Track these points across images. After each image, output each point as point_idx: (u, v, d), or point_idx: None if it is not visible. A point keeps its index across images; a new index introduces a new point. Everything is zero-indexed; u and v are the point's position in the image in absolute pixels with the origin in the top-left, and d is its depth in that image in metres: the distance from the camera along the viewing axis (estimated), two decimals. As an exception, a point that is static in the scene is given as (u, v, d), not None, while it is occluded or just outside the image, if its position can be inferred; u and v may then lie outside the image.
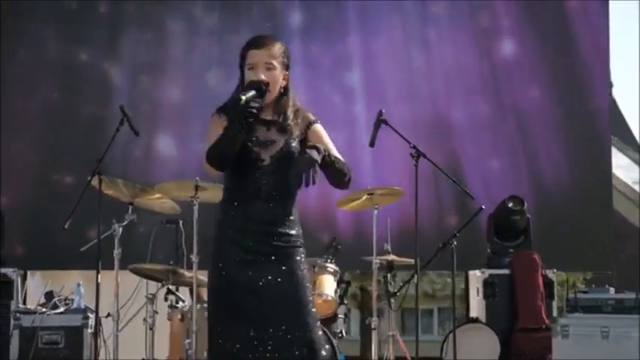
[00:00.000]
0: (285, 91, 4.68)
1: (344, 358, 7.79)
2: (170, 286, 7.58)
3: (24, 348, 7.66)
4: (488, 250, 8.81)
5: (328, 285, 7.36)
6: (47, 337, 7.72)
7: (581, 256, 9.57)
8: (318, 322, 4.62)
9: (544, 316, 8.26)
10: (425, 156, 6.87)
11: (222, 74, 9.51)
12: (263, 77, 4.58)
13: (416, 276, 7.13)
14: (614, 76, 10.03)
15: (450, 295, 20.54)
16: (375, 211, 7.57)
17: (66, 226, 6.94)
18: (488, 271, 8.58)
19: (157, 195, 7.48)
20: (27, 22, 9.59)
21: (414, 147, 6.87)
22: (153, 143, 9.47)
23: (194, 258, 7.21)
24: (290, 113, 4.66)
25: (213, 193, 7.28)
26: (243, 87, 4.62)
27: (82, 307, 7.87)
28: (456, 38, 9.76)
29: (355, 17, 9.75)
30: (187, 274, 7.50)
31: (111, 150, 7.20)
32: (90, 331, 7.74)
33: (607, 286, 8.23)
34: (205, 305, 7.45)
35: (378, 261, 7.62)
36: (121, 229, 7.25)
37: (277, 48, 4.66)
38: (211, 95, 9.50)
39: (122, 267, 7.31)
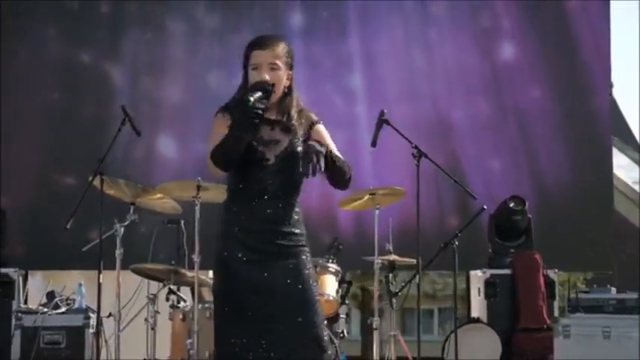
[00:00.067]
0: (289, 91, 4.68)
1: (345, 358, 7.79)
2: (171, 286, 7.57)
3: (26, 348, 7.68)
4: (490, 250, 8.81)
5: (330, 285, 7.36)
6: (49, 337, 7.74)
7: (582, 256, 9.58)
8: (325, 321, 4.63)
9: (545, 316, 8.26)
10: (427, 156, 6.88)
11: (223, 74, 9.52)
12: (267, 78, 4.58)
13: (418, 276, 7.12)
14: (614, 76, 10.07)
15: (451, 295, 20.56)
16: (377, 211, 7.58)
17: (68, 226, 6.94)
18: (489, 271, 8.58)
19: (159, 195, 7.48)
20: (28, 22, 9.59)
21: (416, 147, 6.87)
22: (154, 144, 9.46)
23: (196, 258, 7.20)
24: (294, 113, 4.66)
25: (215, 193, 7.28)
26: (246, 87, 4.62)
27: (84, 307, 7.88)
28: (456, 38, 9.76)
29: (356, 18, 9.75)
30: (189, 274, 7.50)
31: (112, 150, 7.20)
32: (91, 331, 7.75)
33: (608, 286, 8.23)
34: (207, 305, 7.48)
35: (380, 261, 7.62)
36: (122, 229, 7.25)
37: (281, 48, 4.65)
38: (212, 95, 9.50)
39: (123, 267, 7.31)
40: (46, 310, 7.78)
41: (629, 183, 18.92)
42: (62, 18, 9.65)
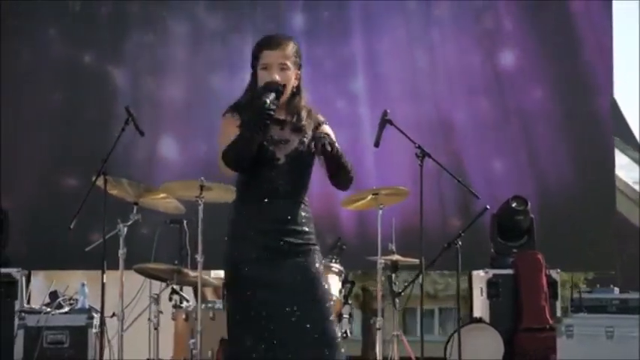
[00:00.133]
0: (297, 91, 4.70)
1: (346, 358, 7.78)
2: (174, 286, 7.57)
3: (29, 348, 7.68)
4: (492, 250, 8.81)
5: (333, 285, 7.34)
6: (52, 336, 7.74)
7: (584, 256, 9.57)
8: (335, 320, 4.64)
9: (548, 316, 8.26)
10: (430, 156, 6.88)
11: (225, 75, 9.52)
12: (277, 78, 4.59)
13: (421, 276, 7.12)
14: (615, 76, 10.08)
15: (451, 295, 20.59)
16: (380, 211, 7.58)
17: (72, 226, 6.93)
18: (491, 271, 8.57)
19: (162, 195, 7.48)
20: (29, 22, 9.58)
21: (419, 147, 6.87)
22: (155, 144, 9.44)
23: (199, 258, 7.20)
24: (304, 113, 4.68)
25: (218, 193, 7.29)
26: (256, 87, 4.64)
27: (87, 307, 7.88)
28: (459, 39, 9.76)
29: (358, 18, 9.75)
30: (192, 273, 7.51)
31: (113, 151, 7.18)
32: (94, 330, 7.76)
33: (612, 286, 8.23)
34: (210, 305, 7.50)
35: (383, 261, 7.63)
36: (125, 228, 7.25)
37: (290, 48, 4.66)
38: (214, 96, 9.52)
39: (126, 267, 7.31)
40: (49, 310, 7.79)
41: (630, 183, 18.96)
42: (64, 19, 9.63)
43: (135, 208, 7.38)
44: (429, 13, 9.78)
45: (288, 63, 4.64)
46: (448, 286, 20.65)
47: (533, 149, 9.68)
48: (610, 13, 9.84)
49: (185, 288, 7.93)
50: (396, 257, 7.73)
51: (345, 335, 7.52)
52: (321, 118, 4.74)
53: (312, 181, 4.73)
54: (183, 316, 7.45)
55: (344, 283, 7.49)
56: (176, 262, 7.70)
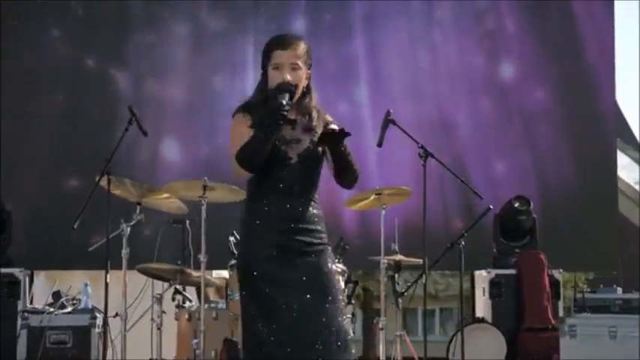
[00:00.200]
0: (307, 90, 4.70)
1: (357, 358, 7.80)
2: (177, 286, 7.58)
3: (32, 347, 7.68)
4: (494, 250, 8.82)
5: (336, 285, 7.35)
6: (55, 336, 7.74)
7: (586, 256, 9.59)
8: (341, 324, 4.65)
9: (550, 316, 8.26)
10: (433, 156, 6.87)
11: (228, 76, 9.53)
12: (289, 78, 4.59)
13: (424, 276, 7.13)
14: (615, 75, 10.11)
15: (452, 295, 20.54)
16: (383, 211, 7.58)
17: (75, 226, 6.93)
18: (494, 271, 8.59)
19: (165, 195, 7.48)
20: (31, 23, 9.57)
21: (423, 147, 6.86)
22: (158, 145, 9.44)
23: (202, 258, 7.21)
24: (315, 113, 4.69)
25: (221, 193, 7.30)
26: (266, 86, 4.64)
27: (90, 307, 7.88)
28: (461, 40, 9.77)
29: (360, 20, 9.75)
30: (194, 273, 7.51)
31: (116, 152, 7.17)
32: (97, 330, 7.76)
33: (615, 286, 8.23)
34: (213, 305, 7.49)
35: (386, 261, 7.63)
36: (129, 228, 7.25)
37: (302, 48, 4.67)
38: (216, 97, 9.52)
39: (128, 267, 7.30)
40: (52, 309, 7.79)
41: (630, 183, 18.95)
42: (66, 19, 9.63)
43: (138, 208, 7.38)
44: (430, 14, 9.79)
45: (300, 63, 4.64)
46: (449, 286, 20.64)
47: (535, 149, 9.69)
48: (612, 14, 9.85)
49: (188, 288, 7.93)
50: (398, 257, 7.73)
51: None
52: (329, 117, 4.75)
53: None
54: (186, 316, 7.46)
55: (347, 282, 7.49)
56: (179, 262, 7.70)
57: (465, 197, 9.11)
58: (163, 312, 7.49)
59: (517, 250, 8.71)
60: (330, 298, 4.56)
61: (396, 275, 7.77)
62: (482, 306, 8.68)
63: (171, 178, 8.44)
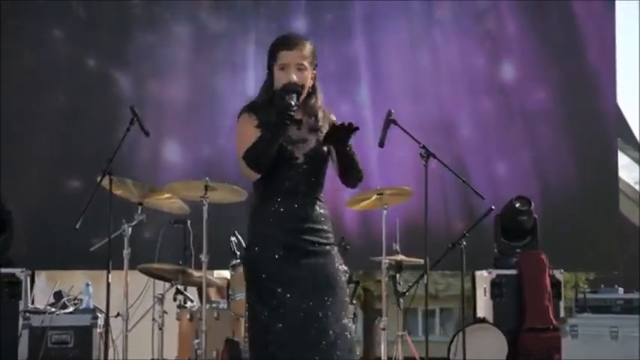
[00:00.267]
0: (313, 91, 4.71)
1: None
2: (179, 286, 7.58)
3: (33, 347, 7.69)
4: (496, 251, 8.83)
5: (338, 285, 7.35)
6: (57, 336, 7.75)
7: (587, 256, 9.59)
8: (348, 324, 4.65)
9: (551, 316, 8.27)
10: (435, 156, 6.88)
11: (229, 77, 9.53)
12: (295, 78, 4.60)
13: (425, 276, 7.13)
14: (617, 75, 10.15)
15: (452, 295, 20.52)
16: (385, 211, 7.59)
17: (77, 226, 6.93)
18: (495, 272, 8.58)
19: (166, 195, 7.48)
20: (32, 23, 9.57)
21: (424, 147, 6.87)
22: (159, 146, 9.42)
23: (204, 258, 7.21)
24: (320, 114, 4.71)
25: (223, 194, 7.31)
26: (271, 86, 4.65)
27: (91, 307, 7.89)
28: (462, 40, 9.77)
29: (360, 20, 9.75)
30: (196, 274, 7.51)
31: (117, 153, 7.15)
32: (99, 330, 7.76)
33: (616, 286, 8.23)
34: (214, 305, 7.50)
35: (388, 261, 7.64)
36: (130, 229, 7.25)
37: (307, 48, 4.68)
38: (217, 98, 9.53)
39: (129, 267, 7.30)
40: (53, 310, 7.79)
41: (630, 183, 18.96)
42: (67, 20, 9.62)
43: (139, 208, 7.38)
44: (430, 15, 9.79)
45: (305, 63, 4.66)
46: (449, 286, 20.61)
47: (536, 150, 9.70)
48: (613, 14, 9.86)
49: (189, 288, 7.93)
50: (400, 257, 7.74)
51: (350, 335, 7.52)
52: (333, 117, 4.77)
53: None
54: (188, 316, 7.46)
55: (348, 283, 7.45)
56: (180, 262, 7.71)
57: (465, 197, 9.12)
58: (165, 312, 7.49)
59: (518, 251, 8.71)
60: (336, 298, 4.57)
61: (397, 275, 7.77)
62: (484, 306, 8.69)
63: (172, 179, 8.45)
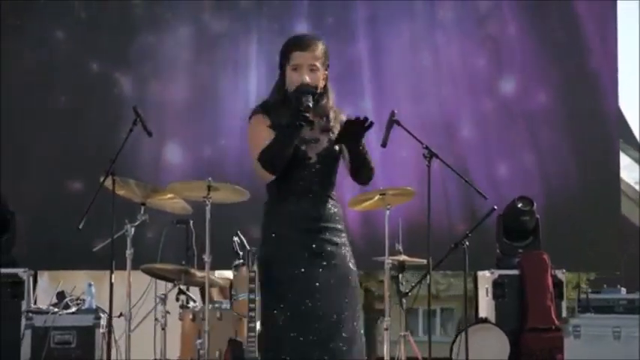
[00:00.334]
0: (324, 91, 4.72)
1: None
2: (181, 286, 7.58)
3: (36, 348, 7.69)
4: (498, 251, 8.82)
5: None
6: (59, 337, 7.75)
7: (589, 256, 9.59)
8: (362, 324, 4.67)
9: (554, 317, 8.27)
10: (438, 156, 6.88)
11: (231, 77, 9.53)
12: (307, 79, 4.61)
13: (428, 276, 7.14)
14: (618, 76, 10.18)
15: (453, 295, 20.51)
16: (388, 212, 7.59)
17: (80, 226, 6.93)
18: (497, 272, 8.58)
19: (169, 195, 7.48)
20: (33, 23, 9.56)
21: (427, 147, 6.87)
22: (161, 146, 9.41)
23: (206, 258, 7.21)
24: (332, 114, 4.72)
25: (226, 194, 7.31)
26: (281, 87, 4.67)
27: (94, 307, 7.89)
28: (463, 41, 9.77)
29: (362, 23, 9.75)
30: (199, 274, 7.51)
31: (120, 153, 7.14)
32: (102, 331, 7.76)
33: (619, 286, 8.23)
34: (217, 305, 7.50)
35: (390, 261, 7.64)
36: (133, 229, 7.25)
37: (320, 49, 4.69)
38: (219, 98, 9.52)
39: (131, 267, 7.30)
40: (56, 310, 7.80)
41: (631, 183, 18.96)
42: (68, 20, 9.61)
43: (142, 208, 7.37)
44: (433, 16, 9.78)
45: (318, 64, 4.67)
46: (450, 287, 20.64)
47: (538, 150, 9.69)
48: (615, 15, 9.85)
49: (191, 288, 7.93)
50: (403, 257, 7.74)
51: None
52: (343, 117, 4.77)
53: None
54: (190, 317, 7.46)
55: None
56: (183, 262, 7.71)
57: (467, 198, 9.13)
58: (167, 312, 7.49)
59: (520, 251, 8.70)
60: (351, 299, 4.59)
61: (400, 275, 7.78)
62: (486, 306, 8.69)
63: (174, 179, 8.46)
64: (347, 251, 4.69)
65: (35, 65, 9.52)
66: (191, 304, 7.66)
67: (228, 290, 7.56)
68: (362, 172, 4.71)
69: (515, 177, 9.60)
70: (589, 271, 12.55)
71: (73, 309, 7.87)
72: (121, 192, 7.28)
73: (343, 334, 4.52)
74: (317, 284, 4.54)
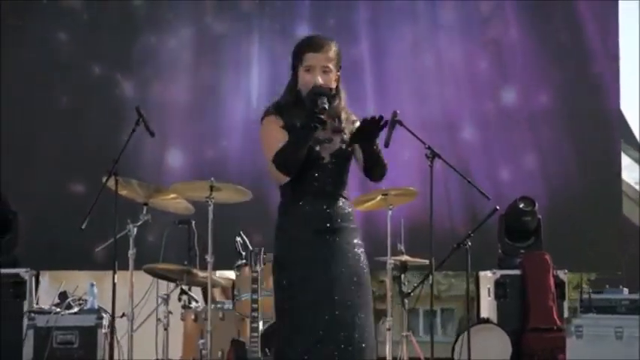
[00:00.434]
0: (336, 92, 4.73)
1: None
2: (183, 287, 7.58)
3: (39, 348, 7.71)
4: (500, 251, 8.82)
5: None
6: (62, 337, 7.77)
7: (590, 257, 9.60)
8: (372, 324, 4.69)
9: (555, 317, 8.28)
10: (440, 157, 6.88)
11: (232, 78, 9.54)
12: (320, 81, 4.61)
13: (431, 277, 7.14)
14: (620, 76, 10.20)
15: (454, 296, 20.47)
16: (390, 212, 7.60)
17: (83, 227, 6.93)
18: (499, 272, 8.59)
19: (172, 195, 7.49)
20: (36, 24, 9.57)
21: (429, 148, 6.87)
22: (163, 146, 9.41)
23: (209, 258, 7.21)
24: (344, 115, 4.74)
25: (228, 194, 7.32)
26: (294, 88, 4.67)
27: (96, 307, 7.89)
28: (465, 42, 9.77)
29: (364, 25, 9.75)
30: (201, 274, 7.52)
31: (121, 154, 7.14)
32: (104, 331, 7.77)
33: (621, 286, 8.23)
34: (219, 306, 7.50)
35: (392, 261, 7.65)
36: (135, 229, 7.25)
37: (333, 50, 4.71)
38: (221, 99, 9.53)
39: (132, 267, 7.30)
40: (58, 310, 7.80)
41: (631, 183, 18.95)
42: (70, 21, 9.61)
43: (144, 208, 7.38)
44: (435, 18, 9.78)
45: (331, 66, 4.68)
46: (451, 287, 20.60)
47: (540, 151, 9.70)
48: (616, 16, 9.86)
49: (193, 288, 7.93)
50: (405, 257, 7.75)
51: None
52: (354, 116, 4.80)
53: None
54: (193, 317, 7.47)
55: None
56: (185, 262, 7.71)
57: (469, 198, 9.13)
58: (170, 312, 7.50)
59: (522, 251, 8.71)
60: (365, 299, 4.59)
61: (402, 276, 7.79)
62: (487, 306, 8.69)
63: (176, 179, 8.46)
64: (361, 252, 4.69)
65: (37, 66, 9.52)
66: (193, 304, 7.66)
67: (230, 290, 7.56)
68: (375, 169, 4.71)
69: (516, 177, 9.61)
70: (590, 272, 12.56)
71: (76, 309, 7.89)
72: (123, 192, 7.28)
73: (356, 335, 4.52)
74: (331, 284, 4.53)
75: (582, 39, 9.82)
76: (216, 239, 7.22)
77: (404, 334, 7.70)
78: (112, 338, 7.25)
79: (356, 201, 7.73)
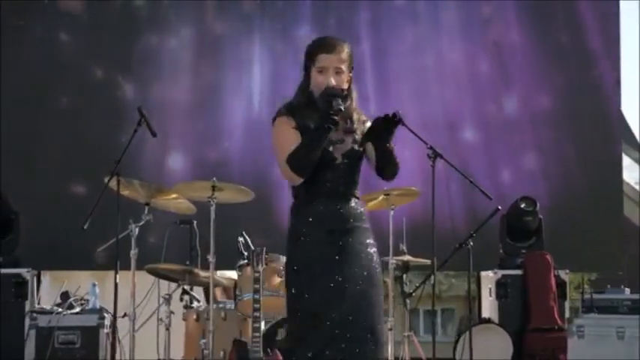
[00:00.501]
0: (348, 92, 4.72)
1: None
2: (185, 287, 7.59)
3: (40, 348, 7.71)
4: (501, 251, 8.83)
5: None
6: (63, 337, 7.76)
7: (591, 257, 9.60)
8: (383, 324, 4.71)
9: (556, 317, 8.29)
10: (442, 156, 6.88)
11: (234, 78, 9.54)
12: (333, 82, 4.61)
13: (433, 277, 7.15)
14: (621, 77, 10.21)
15: (454, 296, 20.48)
16: (392, 212, 7.61)
17: (85, 227, 6.93)
18: (500, 272, 8.60)
19: (173, 195, 7.49)
20: (37, 24, 9.57)
21: (431, 148, 6.86)
22: (165, 147, 9.41)
23: (211, 258, 7.21)
24: (355, 116, 4.73)
25: (230, 194, 7.32)
26: (306, 88, 4.67)
27: (98, 307, 7.90)
28: (466, 41, 9.78)
29: (365, 26, 9.75)
30: (203, 274, 7.52)
31: (118, 154, 7.14)
32: (106, 331, 7.77)
33: (622, 286, 8.24)
34: (221, 305, 7.50)
35: (395, 261, 7.66)
36: (137, 229, 7.25)
37: (346, 52, 4.71)
38: (222, 99, 9.53)
39: (134, 267, 7.31)
40: (60, 310, 7.80)
41: (631, 183, 18.95)
42: (70, 21, 9.61)
43: (146, 208, 7.38)
44: (436, 18, 9.79)
45: (343, 67, 4.68)
46: (452, 287, 20.66)
47: (541, 152, 9.71)
48: (617, 17, 9.88)
49: (195, 288, 7.93)
50: (407, 258, 7.75)
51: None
52: (364, 116, 4.79)
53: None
54: (194, 317, 7.47)
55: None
56: (187, 262, 7.71)
57: (470, 198, 9.13)
58: (171, 312, 7.50)
59: (523, 251, 8.72)
60: (378, 299, 4.61)
61: (404, 276, 7.79)
62: (489, 306, 8.70)
63: (178, 180, 8.46)
64: (374, 252, 4.69)
65: (37, 66, 9.52)
66: (195, 304, 7.67)
67: (232, 290, 7.56)
68: (388, 168, 4.71)
69: (517, 178, 9.62)
70: (591, 272, 12.56)
71: (77, 309, 7.88)
72: (125, 192, 7.29)
73: (369, 335, 4.52)
74: (344, 285, 4.53)
75: (583, 40, 9.83)
76: (218, 239, 7.22)
77: (406, 334, 7.71)
78: (113, 338, 7.26)
79: (357, 201, 7.75)
